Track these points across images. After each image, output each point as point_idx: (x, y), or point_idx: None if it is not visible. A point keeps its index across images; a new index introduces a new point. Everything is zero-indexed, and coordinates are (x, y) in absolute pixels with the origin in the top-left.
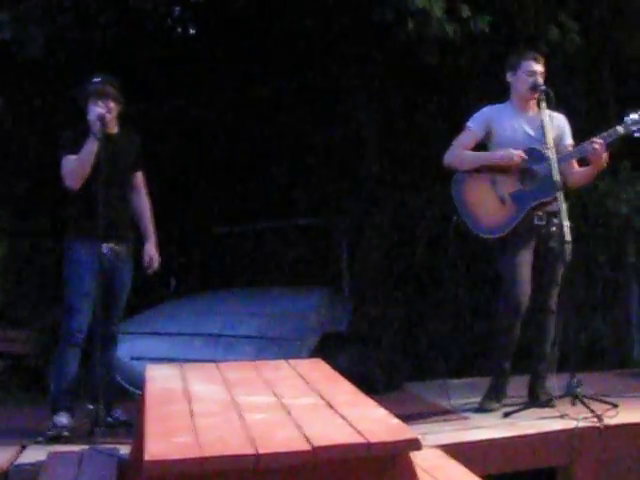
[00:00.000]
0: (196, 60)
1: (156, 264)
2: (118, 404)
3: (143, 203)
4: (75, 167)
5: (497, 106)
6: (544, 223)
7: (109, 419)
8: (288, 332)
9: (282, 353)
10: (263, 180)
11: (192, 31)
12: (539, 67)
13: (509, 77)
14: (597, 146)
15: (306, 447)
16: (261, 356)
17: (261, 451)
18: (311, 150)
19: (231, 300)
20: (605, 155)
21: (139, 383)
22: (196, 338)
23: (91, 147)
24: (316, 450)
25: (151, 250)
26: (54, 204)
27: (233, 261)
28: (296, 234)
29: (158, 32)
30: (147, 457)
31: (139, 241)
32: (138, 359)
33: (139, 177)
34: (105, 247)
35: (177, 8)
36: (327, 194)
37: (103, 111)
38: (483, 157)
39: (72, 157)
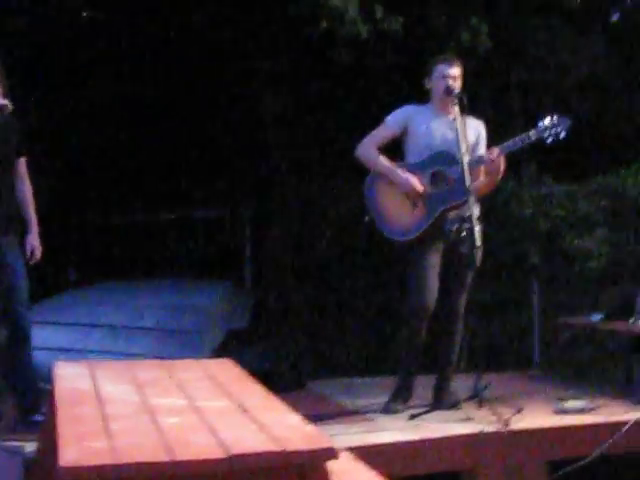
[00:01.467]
0: (104, 45)
1: (39, 255)
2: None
3: (26, 191)
4: None
5: (419, 106)
6: (455, 228)
7: (31, 419)
8: (188, 325)
9: (182, 346)
10: (166, 170)
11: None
12: (452, 70)
13: (427, 83)
14: (493, 157)
15: (222, 455)
16: (161, 349)
17: (178, 458)
18: (217, 142)
19: (131, 291)
20: (502, 166)
21: (39, 372)
22: (95, 329)
23: None
24: (233, 458)
25: (34, 240)
26: None
27: (133, 252)
28: (198, 226)
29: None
30: (62, 463)
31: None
32: (37, 348)
33: (22, 163)
34: None
35: None
36: (231, 186)
37: None
38: (387, 169)
39: None
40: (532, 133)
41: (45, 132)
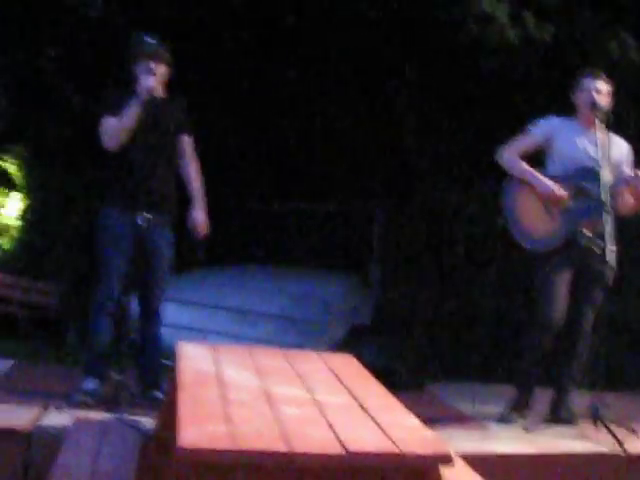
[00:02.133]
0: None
1: (203, 230)
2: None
3: (190, 168)
4: (114, 129)
5: (564, 118)
6: (588, 244)
7: (153, 394)
8: (313, 316)
9: (304, 336)
10: (302, 163)
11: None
12: (599, 84)
13: (573, 96)
14: (636, 180)
15: (340, 451)
16: (282, 336)
17: (295, 450)
18: (352, 138)
19: (258, 276)
20: None
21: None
22: (219, 310)
23: (134, 111)
24: (350, 455)
25: (198, 215)
26: (91, 164)
27: (264, 238)
28: (328, 218)
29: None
30: (181, 444)
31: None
32: (165, 326)
33: (185, 141)
34: (141, 217)
35: None
36: (363, 182)
37: (153, 84)
38: (531, 176)
39: (112, 118)
40: None
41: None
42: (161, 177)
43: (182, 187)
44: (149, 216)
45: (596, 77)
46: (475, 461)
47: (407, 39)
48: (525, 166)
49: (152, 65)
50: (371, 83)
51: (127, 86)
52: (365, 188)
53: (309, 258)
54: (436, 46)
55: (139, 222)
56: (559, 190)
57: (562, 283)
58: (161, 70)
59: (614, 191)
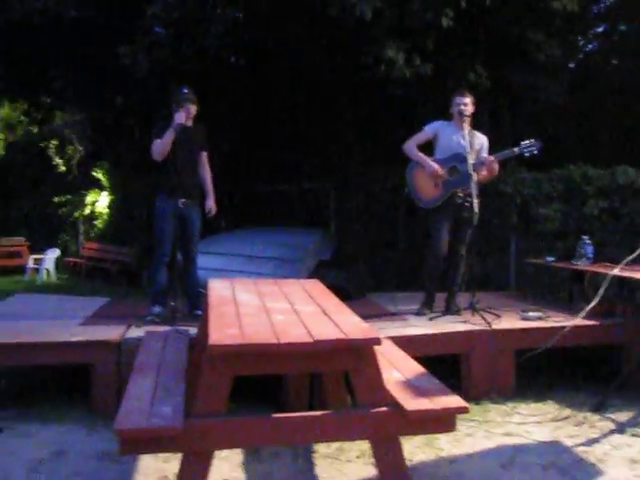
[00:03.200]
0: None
1: (214, 212)
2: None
3: (206, 174)
4: (158, 148)
5: (444, 121)
6: (461, 201)
7: (195, 313)
8: (295, 256)
9: (290, 269)
10: (286, 158)
11: (242, 62)
12: (464, 99)
13: (450, 108)
14: (491, 161)
15: (309, 339)
16: (277, 271)
17: (282, 341)
18: (314, 140)
19: (260, 234)
20: (496, 166)
21: (201, 284)
22: (236, 257)
23: (170, 137)
24: (316, 342)
25: (211, 203)
26: (149, 171)
27: (263, 209)
28: (304, 194)
29: (219, 61)
30: (210, 342)
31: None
32: (201, 269)
33: (204, 156)
34: (180, 201)
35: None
36: (322, 169)
37: (182, 120)
38: (420, 158)
39: (158, 140)
40: (516, 149)
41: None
42: (191, 177)
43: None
44: (186, 201)
45: (462, 95)
46: (398, 341)
47: (343, 76)
48: (419, 153)
49: (189, 106)
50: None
51: (168, 119)
52: (324, 172)
53: (292, 221)
54: (361, 80)
55: (180, 205)
56: (439, 169)
57: (444, 227)
58: (192, 110)
59: (476, 168)
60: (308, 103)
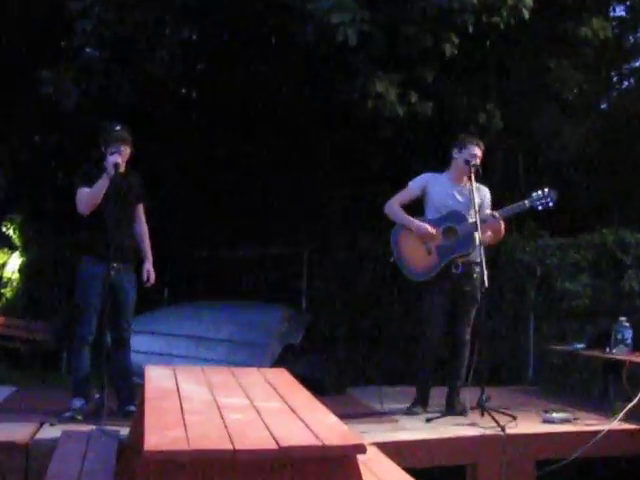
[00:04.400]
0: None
1: (153, 279)
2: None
3: (143, 230)
4: (87, 198)
5: (435, 174)
6: (461, 272)
7: (127, 409)
8: (256, 339)
9: (250, 356)
10: (242, 217)
11: (194, 95)
12: (479, 151)
13: (455, 153)
14: (495, 218)
15: (274, 446)
16: (232, 357)
17: (237, 447)
18: (282, 197)
19: (211, 309)
20: (502, 226)
21: (135, 371)
22: (182, 338)
23: (103, 184)
24: (282, 449)
25: (149, 268)
26: (73, 227)
27: (215, 278)
28: (265, 260)
29: (165, 93)
30: (146, 447)
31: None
32: (136, 352)
33: (141, 209)
34: (112, 266)
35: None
36: (293, 232)
37: (119, 160)
38: (405, 220)
39: (85, 189)
40: (527, 202)
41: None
42: (125, 234)
43: None
44: (118, 265)
45: (476, 144)
46: (387, 448)
47: (320, 116)
48: (404, 214)
49: (121, 147)
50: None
51: (98, 164)
52: (294, 236)
53: (254, 294)
54: (344, 121)
55: (110, 270)
56: (431, 228)
57: (441, 306)
58: (127, 151)
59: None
60: (277, 148)
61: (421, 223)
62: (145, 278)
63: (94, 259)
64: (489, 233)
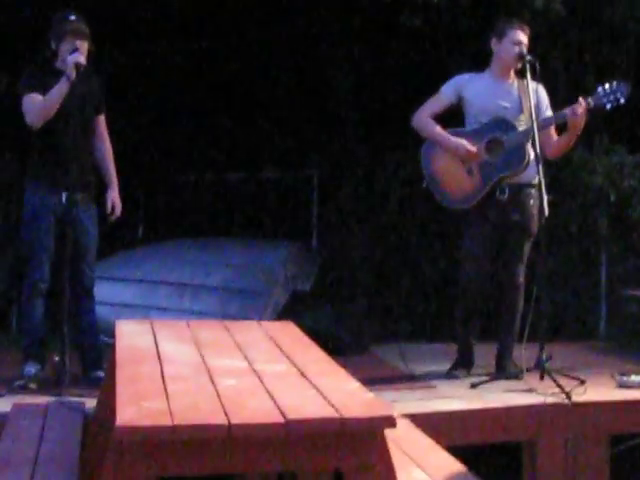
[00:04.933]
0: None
1: (119, 211)
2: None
3: (105, 148)
4: (41, 107)
5: (473, 74)
6: (506, 196)
7: (93, 375)
8: (254, 285)
9: (247, 307)
10: (233, 130)
11: None
12: (524, 37)
13: (493, 44)
14: (579, 109)
15: (279, 419)
16: (226, 308)
17: (233, 421)
18: (284, 102)
19: (198, 249)
20: (584, 120)
21: (103, 328)
22: (162, 286)
23: (62, 89)
24: (289, 423)
25: (114, 196)
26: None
27: (202, 210)
28: (265, 186)
29: None
30: (119, 422)
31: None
32: (103, 304)
33: (101, 121)
34: (65, 195)
35: None
36: (301, 147)
37: (82, 59)
38: (438, 136)
39: (37, 96)
40: (590, 99)
41: (115, 88)
42: (83, 156)
43: None
44: (74, 195)
45: (520, 28)
46: (422, 420)
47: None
48: (435, 128)
49: (78, 43)
50: (302, 51)
51: (47, 63)
52: (303, 154)
53: (251, 229)
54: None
55: (64, 201)
56: (469, 146)
57: (484, 238)
58: (85, 47)
59: (541, 136)
60: (278, 41)
61: (458, 140)
62: (109, 209)
63: (44, 186)
64: (555, 138)
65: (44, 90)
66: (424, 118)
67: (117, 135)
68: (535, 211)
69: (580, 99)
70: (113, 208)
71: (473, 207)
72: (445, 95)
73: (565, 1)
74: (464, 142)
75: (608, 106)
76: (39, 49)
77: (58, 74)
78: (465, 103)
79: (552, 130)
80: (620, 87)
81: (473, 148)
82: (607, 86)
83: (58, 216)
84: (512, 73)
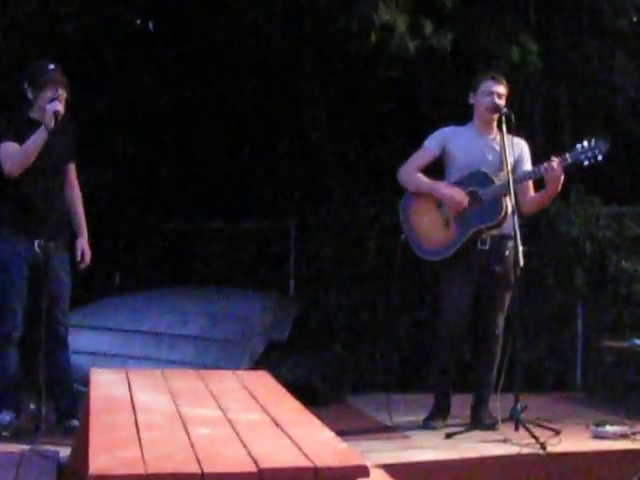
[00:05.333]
0: (154, 57)
1: (88, 259)
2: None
3: (75, 195)
4: (20, 156)
5: (456, 127)
6: (487, 247)
7: (68, 424)
8: (231, 335)
9: (223, 356)
10: (214, 180)
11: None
12: (499, 88)
13: (471, 99)
14: (555, 165)
15: (252, 468)
16: (202, 357)
17: (206, 470)
18: (266, 154)
19: (174, 298)
20: (562, 177)
21: (79, 376)
22: (138, 335)
23: (41, 138)
24: (262, 472)
25: (84, 244)
26: None
27: (179, 260)
28: (244, 236)
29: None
30: (92, 471)
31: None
32: (79, 353)
33: (72, 168)
34: (38, 243)
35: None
36: (278, 198)
37: (61, 107)
38: (428, 186)
39: (14, 144)
40: (568, 156)
41: (92, 136)
42: (56, 204)
43: None
44: (48, 243)
45: (494, 80)
46: (397, 470)
47: (308, 55)
48: (424, 179)
49: (60, 91)
50: (281, 100)
51: (21, 113)
52: (279, 205)
53: (229, 279)
54: (340, 59)
55: (37, 249)
56: (462, 197)
57: (462, 290)
58: (64, 96)
59: (518, 190)
60: (258, 92)
61: (450, 188)
62: (78, 257)
63: (16, 234)
64: (531, 193)
65: (19, 139)
66: (412, 173)
67: (95, 184)
68: (512, 263)
69: (552, 157)
70: (83, 256)
71: (455, 256)
72: (429, 149)
73: (541, 54)
74: (458, 192)
75: (586, 163)
76: (12, 98)
77: (33, 123)
78: (448, 156)
79: (529, 186)
80: (598, 144)
81: (466, 198)
82: (585, 143)
83: (31, 264)
84: (494, 127)
